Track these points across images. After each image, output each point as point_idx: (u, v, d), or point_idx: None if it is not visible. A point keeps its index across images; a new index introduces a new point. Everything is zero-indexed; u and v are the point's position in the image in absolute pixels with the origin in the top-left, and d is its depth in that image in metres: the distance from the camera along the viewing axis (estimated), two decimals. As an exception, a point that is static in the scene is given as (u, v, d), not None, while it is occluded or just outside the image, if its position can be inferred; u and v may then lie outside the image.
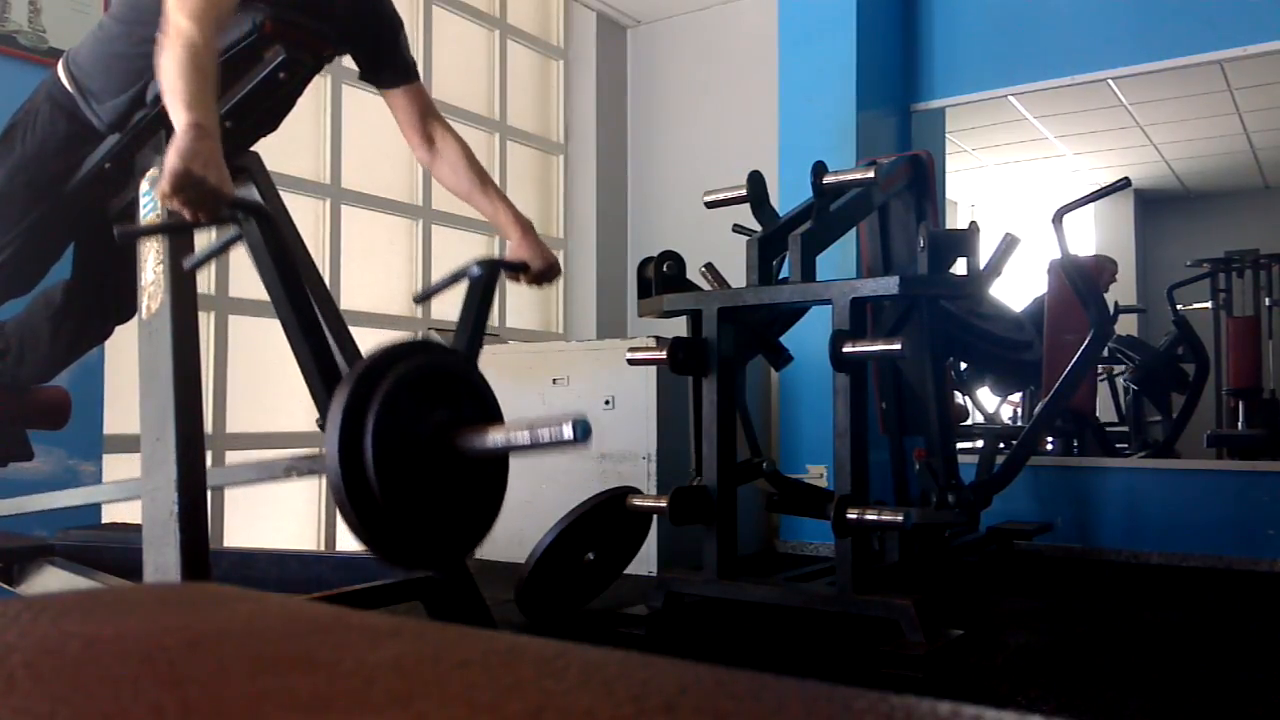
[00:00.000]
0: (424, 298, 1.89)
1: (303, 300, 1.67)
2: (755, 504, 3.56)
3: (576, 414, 1.26)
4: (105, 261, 2.09)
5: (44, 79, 1.97)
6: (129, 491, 1.73)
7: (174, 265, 1.63)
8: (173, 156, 1.43)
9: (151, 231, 1.71)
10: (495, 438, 1.34)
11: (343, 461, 1.26)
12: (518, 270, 1.99)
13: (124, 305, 2.15)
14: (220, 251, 1.70)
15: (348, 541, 3.93)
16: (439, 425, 1.35)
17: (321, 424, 1.63)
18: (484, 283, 1.70)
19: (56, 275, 2.17)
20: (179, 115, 1.48)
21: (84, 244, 2.11)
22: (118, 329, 2.26)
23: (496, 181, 2.20)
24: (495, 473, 1.48)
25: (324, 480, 1.41)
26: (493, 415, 1.47)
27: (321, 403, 1.60)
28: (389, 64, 2.06)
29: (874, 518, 2.37)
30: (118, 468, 3.04)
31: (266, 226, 1.63)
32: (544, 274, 2.01)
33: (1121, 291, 5.63)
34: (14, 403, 2.28)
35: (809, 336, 3.10)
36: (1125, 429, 5.65)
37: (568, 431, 1.25)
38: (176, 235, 1.67)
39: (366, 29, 1.97)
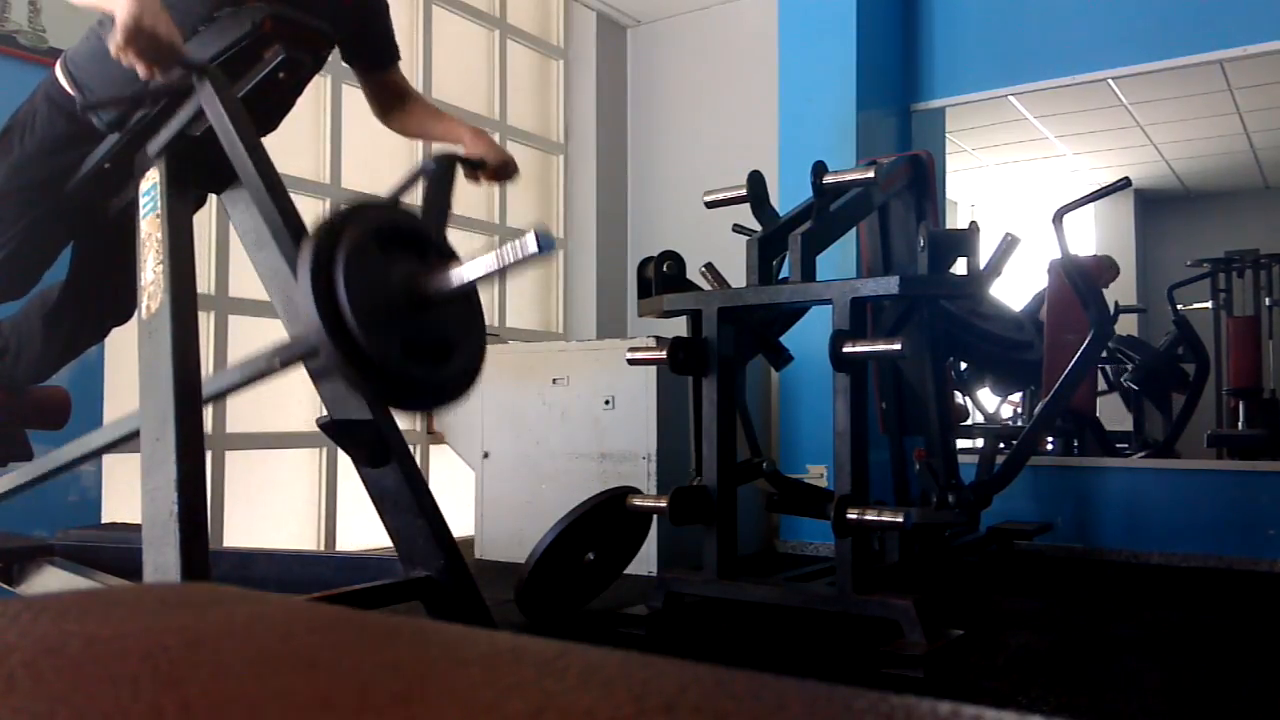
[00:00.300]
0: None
1: (263, 156, 1.64)
2: (755, 504, 3.56)
3: (539, 225, 1.25)
4: (103, 261, 2.08)
5: (42, 80, 1.97)
6: (126, 429, 1.73)
7: (174, 265, 1.63)
8: (121, 13, 1.46)
9: (117, 104, 1.73)
10: (462, 272, 1.33)
11: (319, 308, 1.24)
12: (475, 167, 1.99)
13: (123, 305, 2.15)
14: (183, 129, 1.68)
15: (348, 541, 3.93)
16: (408, 270, 1.35)
17: (321, 421, 1.63)
18: (441, 175, 1.70)
19: (56, 278, 2.17)
20: None
21: (82, 244, 2.10)
22: (118, 329, 2.26)
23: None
24: (471, 314, 1.49)
25: (309, 367, 1.38)
26: None
27: (291, 264, 1.57)
28: (382, 46, 2.07)
29: (874, 518, 2.37)
30: (118, 468, 3.04)
31: (221, 87, 1.61)
32: (501, 170, 2.02)
33: (1121, 291, 5.62)
34: (13, 403, 2.27)
35: (809, 336, 3.10)
36: (1128, 428, 5.65)
37: (531, 245, 1.22)
38: (139, 108, 1.68)
39: (355, 13, 1.98)
